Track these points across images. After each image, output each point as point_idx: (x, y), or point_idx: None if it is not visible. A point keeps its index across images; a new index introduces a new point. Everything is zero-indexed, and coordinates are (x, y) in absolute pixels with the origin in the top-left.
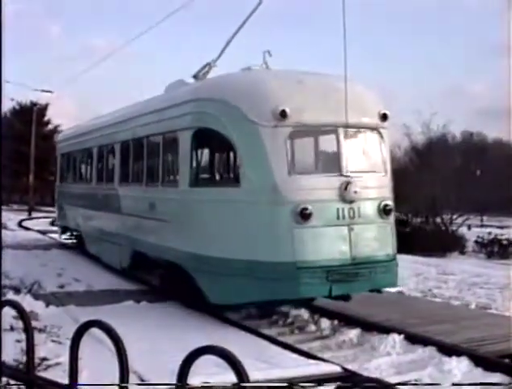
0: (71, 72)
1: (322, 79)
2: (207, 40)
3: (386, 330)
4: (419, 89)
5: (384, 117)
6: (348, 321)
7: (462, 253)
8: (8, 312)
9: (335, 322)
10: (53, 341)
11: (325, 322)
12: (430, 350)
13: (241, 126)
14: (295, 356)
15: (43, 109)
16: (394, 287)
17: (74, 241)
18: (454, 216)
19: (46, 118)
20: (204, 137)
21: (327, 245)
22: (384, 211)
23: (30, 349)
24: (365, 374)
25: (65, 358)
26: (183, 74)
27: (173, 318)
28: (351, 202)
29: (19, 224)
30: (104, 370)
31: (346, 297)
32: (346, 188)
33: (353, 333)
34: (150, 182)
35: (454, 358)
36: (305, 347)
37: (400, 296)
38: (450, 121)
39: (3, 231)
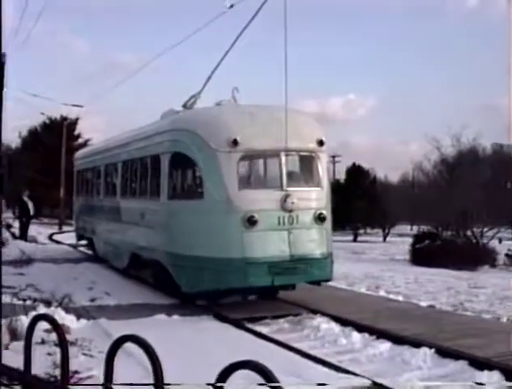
0: (100, 87)
1: (269, 112)
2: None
3: (417, 344)
4: (449, 102)
5: (321, 142)
6: (379, 335)
7: (493, 266)
8: (39, 325)
9: (366, 335)
10: (84, 354)
11: (356, 336)
12: (461, 364)
13: (203, 151)
14: (326, 369)
15: (73, 123)
16: (328, 281)
17: (88, 246)
18: (485, 229)
19: (76, 132)
20: (178, 159)
21: (270, 245)
22: (319, 219)
23: (65, 362)
24: (396, 388)
25: (96, 371)
26: (211, 88)
27: (205, 332)
28: (290, 211)
29: (50, 238)
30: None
31: (290, 287)
32: (285, 200)
33: (384, 347)
34: (141, 196)
35: (485, 372)
36: (335, 360)
37: (431, 310)
38: (480, 134)
39: (34, 245)
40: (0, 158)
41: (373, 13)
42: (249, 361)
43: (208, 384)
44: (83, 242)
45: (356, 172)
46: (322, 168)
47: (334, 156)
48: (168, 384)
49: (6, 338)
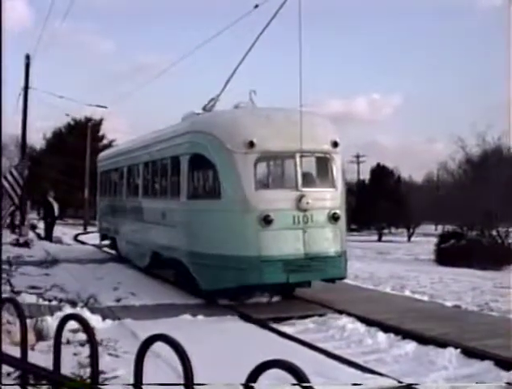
0: (124, 88)
1: (285, 114)
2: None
3: (442, 344)
4: (474, 101)
5: (335, 144)
6: (405, 335)
7: None
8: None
9: (392, 335)
10: (109, 355)
11: (381, 336)
12: (487, 364)
13: (221, 153)
14: (352, 370)
15: (97, 124)
16: (342, 278)
17: (112, 246)
18: (510, 229)
19: (100, 133)
20: (197, 160)
21: (285, 243)
22: (333, 218)
23: (94, 361)
24: (422, 388)
25: (122, 371)
26: (235, 88)
27: (231, 332)
28: (305, 210)
29: (75, 239)
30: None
31: (306, 284)
32: (300, 200)
33: (409, 347)
34: (162, 196)
35: (511, 372)
36: (361, 361)
37: (456, 310)
38: (505, 133)
39: (59, 245)
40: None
41: (396, 12)
42: (280, 360)
43: (241, 384)
44: (106, 242)
45: (380, 172)
46: (337, 169)
47: (358, 156)
48: (199, 384)
49: (31, 338)
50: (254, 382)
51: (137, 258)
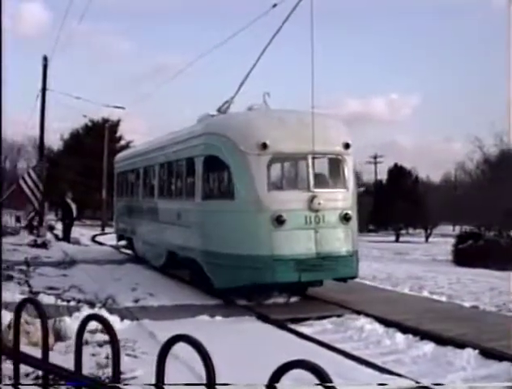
0: (142, 89)
1: (297, 116)
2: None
3: (460, 344)
4: (492, 101)
5: (347, 145)
6: (423, 336)
7: None
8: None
9: (410, 336)
10: (127, 355)
11: (399, 337)
12: (506, 365)
13: (234, 154)
14: (370, 370)
15: (115, 125)
16: (353, 278)
17: (128, 247)
18: None
19: (118, 134)
20: (211, 162)
21: (297, 243)
22: (345, 219)
23: (116, 362)
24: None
25: (140, 372)
26: (249, 90)
27: (249, 333)
28: (316, 211)
29: (93, 240)
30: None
31: (318, 283)
32: (312, 201)
33: (428, 348)
34: (177, 196)
35: None
36: (379, 361)
37: (475, 310)
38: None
39: (77, 246)
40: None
41: (412, 12)
42: (303, 360)
43: (264, 385)
44: (123, 243)
45: (397, 172)
46: (348, 170)
47: (375, 157)
48: (221, 384)
49: (50, 339)
50: (277, 382)
51: (153, 258)
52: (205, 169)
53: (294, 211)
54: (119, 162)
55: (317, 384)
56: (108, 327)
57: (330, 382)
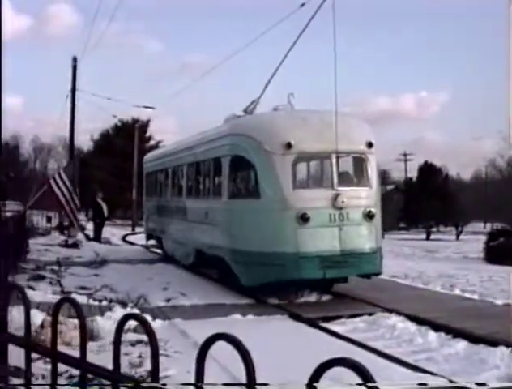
0: (172, 88)
1: (321, 116)
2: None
3: (493, 342)
4: None
5: (369, 144)
6: (455, 334)
7: None
8: (114, 327)
9: (442, 334)
10: (160, 354)
11: (432, 335)
12: None
13: (260, 154)
14: (403, 369)
15: (144, 125)
16: (377, 274)
17: (158, 246)
18: None
19: (148, 134)
20: (237, 162)
21: (322, 240)
22: (368, 216)
23: (155, 361)
24: (474, 387)
25: (173, 371)
26: (277, 90)
27: (281, 332)
28: (340, 209)
29: (123, 239)
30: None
31: (342, 280)
32: (336, 199)
33: (460, 346)
34: (205, 195)
35: None
36: (411, 360)
37: (507, 308)
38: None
39: (108, 246)
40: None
41: (441, 10)
42: (345, 358)
43: (305, 384)
44: (153, 242)
45: (428, 170)
46: (371, 168)
47: (405, 154)
48: (261, 384)
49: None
50: (317, 381)
51: (182, 257)
52: (231, 169)
53: (318, 209)
54: (148, 162)
55: (360, 384)
56: (147, 327)
57: (373, 381)
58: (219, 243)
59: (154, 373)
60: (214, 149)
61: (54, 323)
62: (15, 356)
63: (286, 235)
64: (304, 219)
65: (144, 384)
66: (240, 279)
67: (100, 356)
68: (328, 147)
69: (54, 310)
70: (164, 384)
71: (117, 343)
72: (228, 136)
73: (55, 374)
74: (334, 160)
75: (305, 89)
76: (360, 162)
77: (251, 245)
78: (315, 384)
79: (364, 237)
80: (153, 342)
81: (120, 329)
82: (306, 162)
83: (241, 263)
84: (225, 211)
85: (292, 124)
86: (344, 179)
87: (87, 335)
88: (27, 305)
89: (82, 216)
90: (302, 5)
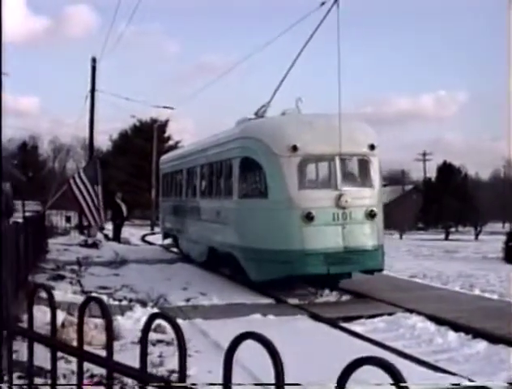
0: (190, 88)
1: (326, 120)
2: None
3: None
4: None
5: (372, 147)
6: (475, 334)
7: None
8: (137, 326)
9: (462, 334)
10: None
11: (452, 335)
12: None
13: (267, 156)
14: (423, 369)
15: (163, 125)
16: (379, 270)
17: (174, 244)
18: None
19: (166, 135)
20: (247, 163)
21: (326, 238)
22: (370, 215)
23: (182, 360)
24: (494, 387)
25: (194, 371)
26: (291, 92)
27: (303, 331)
28: (343, 208)
29: (142, 239)
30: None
31: (347, 275)
32: (339, 198)
33: (480, 346)
34: (217, 195)
35: None
36: (432, 360)
37: None
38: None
39: (127, 246)
40: None
41: (460, 9)
42: (374, 357)
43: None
44: (169, 241)
45: (447, 170)
46: (374, 169)
47: (424, 154)
48: (291, 384)
49: (103, 338)
50: (347, 380)
51: (196, 255)
52: (241, 170)
53: (323, 208)
54: (163, 164)
55: (392, 384)
56: (175, 326)
57: (403, 379)
58: (229, 241)
59: (181, 372)
60: (225, 151)
61: (80, 322)
62: (36, 355)
63: (292, 233)
64: (309, 218)
65: (174, 384)
66: (249, 274)
67: (121, 355)
68: (332, 149)
69: (80, 309)
70: (194, 384)
71: (144, 341)
72: (238, 139)
73: (81, 373)
74: (338, 162)
75: (319, 91)
76: (362, 164)
77: (259, 242)
78: (344, 385)
79: (366, 235)
80: (181, 341)
81: (147, 328)
82: (311, 164)
83: (250, 260)
84: (235, 210)
85: (298, 128)
86: (348, 180)
87: (113, 333)
88: (53, 305)
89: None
90: (322, 4)
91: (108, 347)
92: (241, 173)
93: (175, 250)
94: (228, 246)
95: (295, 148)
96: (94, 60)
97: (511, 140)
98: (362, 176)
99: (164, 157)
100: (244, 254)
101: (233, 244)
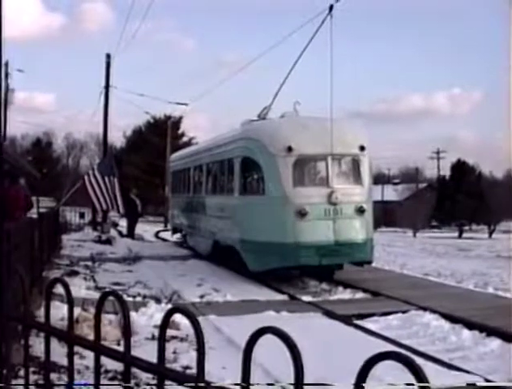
0: (205, 85)
1: (319, 122)
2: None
3: None
4: None
5: (362, 148)
6: (489, 332)
7: None
8: (149, 322)
9: (476, 332)
10: (195, 350)
11: (466, 333)
12: None
13: (265, 156)
14: (437, 367)
15: (177, 122)
16: (368, 262)
17: (183, 239)
18: None
19: (180, 131)
20: (247, 162)
21: (318, 232)
22: (360, 211)
23: (200, 356)
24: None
25: (207, 367)
26: (309, 87)
27: (316, 328)
28: (335, 204)
29: (156, 236)
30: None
31: (338, 267)
32: (331, 195)
33: (494, 344)
34: (220, 192)
35: None
36: (446, 358)
37: None
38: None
39: (141, 242)
40: None
41: (477, 7)
42: (394, 352)
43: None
44: (178, 236)
45: (460, 168)
46: (364, 169)
47: (438, 152)
48: (309, 384)
49: (117, 334)
50: (366, 376)
51: (202, 249)
52: (242, 169)
53: (315, 204)
54: (173, 162)
55: (408, 384)
56: (194, 321)
57: (424, 375)
58: (230, 234)
59: (199, 369)
60: (228, 151)
61: (98, 316)
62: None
63: (287, 227)
64: (302, 213)
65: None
66: (248, 265)
67: (135, 350)
68: (325, 150)
69: (98, 303)
70: (211, 382)
71: (162, 336)
72: (239, 140)
73: (98, 368)
74: (329, 162)
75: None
76: (353, 163)
77: (257, 235)
78: (365, 379)
79: (355, 229)
80: (200, 337)
81: (165, 322)
82: (305, 163)
83: (248, 251)
84: (236, 206)
85: (294, 129)
86: (339, 178)
87: (131, 328)
88: (71, 300)
89: (114, 212)
90: (331, 7)
91: (127, 341)
92: (241, 171)
93: (187, 244)
94: (230, 239)
95: (290, 149)
96: (108, 56)
97: None
98: (353, 175)
99: (174, 156)
100: (243, 247)
101: (234, 237)
